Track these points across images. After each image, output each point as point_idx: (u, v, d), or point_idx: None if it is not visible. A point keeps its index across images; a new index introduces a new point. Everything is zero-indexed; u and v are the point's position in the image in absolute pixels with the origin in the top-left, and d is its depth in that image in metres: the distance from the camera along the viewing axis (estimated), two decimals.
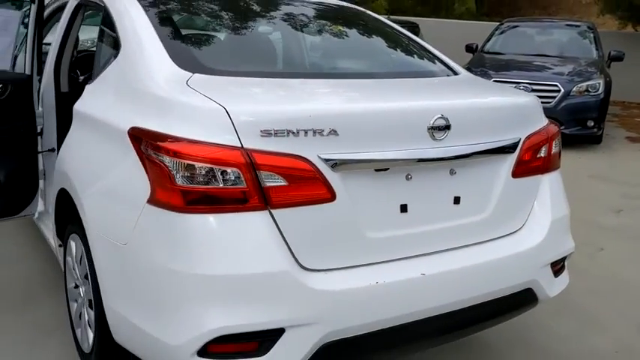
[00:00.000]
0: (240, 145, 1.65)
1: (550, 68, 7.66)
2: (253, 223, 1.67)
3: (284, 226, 1.69)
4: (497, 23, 10.07)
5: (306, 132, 1.69)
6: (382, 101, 1.95)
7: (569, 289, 2.43)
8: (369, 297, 1.78)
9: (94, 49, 3.01)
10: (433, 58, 2.65)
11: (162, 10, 2.36)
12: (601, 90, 7.12)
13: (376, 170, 1.82)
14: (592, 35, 8.61)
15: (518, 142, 2.10)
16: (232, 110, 1.67)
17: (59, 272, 3.16)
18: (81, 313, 2.37)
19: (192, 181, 1.65)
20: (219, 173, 1.65)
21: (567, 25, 9.27)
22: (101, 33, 2.48)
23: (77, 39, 3.14)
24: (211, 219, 1.66)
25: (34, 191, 3.02)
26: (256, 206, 1.67)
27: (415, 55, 2.66)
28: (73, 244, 2.38)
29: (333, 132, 1.72)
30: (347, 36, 2.71)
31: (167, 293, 1.70)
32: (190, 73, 1.93)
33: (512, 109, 2.18)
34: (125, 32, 2.21)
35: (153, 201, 1.71)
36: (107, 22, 2.42)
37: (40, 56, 2.96)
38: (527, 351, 2.67)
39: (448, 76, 2.50)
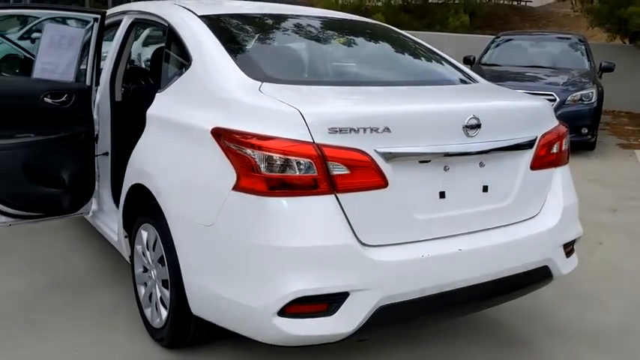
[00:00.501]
0: (312, 141, 2.00)
1: (545, 79, 8.08)
2: (322, 204, 2.01)
3: (347, 208, 2.03)
4: (491, 36, 10.53)
5: (364, 130, 2.05)
6: (425, 104, 2.32)
7: (572, 276, 2.77)
8: (416, 268, 2.12)
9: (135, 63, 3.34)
10: (455, 68, 3.02)
11: (223, 27, 2.71)
12: (594, 99, 7.53)
13: (420, 162, 2.17)
14: (583, 47, 9.06)
15: (535, 139, 2.46)
16: (305, 112, 2.02)
17: (113, 263, 3.50)
18: (151, 294, 2.69)
19: (274, 170, 1.99)
20: (295, 163, 1.99)
21: (559, 37, 9.73)
22: (167, 48, 2.82)
23: (130, 53, 3.47)
24: (289, 201, 2.00)
25: (90, 191, 3.34)
26: (325, 191, 2.01)
27: (440, 66, 3.02)
28: (144, 233, 2.70)
29: (387, 130, 2.08)
30: (385, 50, 3.09)
31: (251, 264, 2.03)
32: (259, 82, 2.28)
33: (529, 111, 2.54)
34: (194, 47, 2.56)
35: (238, 188, 2.05)
36: (172, 39, 2.77)
37: (98, 69, 3.30)
38: (536, 329, 3.01)
39: (470, 83, 2.87)
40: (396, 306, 2.09)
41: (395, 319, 2.15)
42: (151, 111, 2.66)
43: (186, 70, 2.54)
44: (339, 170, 2.02)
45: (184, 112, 2.41)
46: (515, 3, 21.59)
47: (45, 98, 3.07)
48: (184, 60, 2.59)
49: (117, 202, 3.31)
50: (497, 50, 9.39)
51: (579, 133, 7.42)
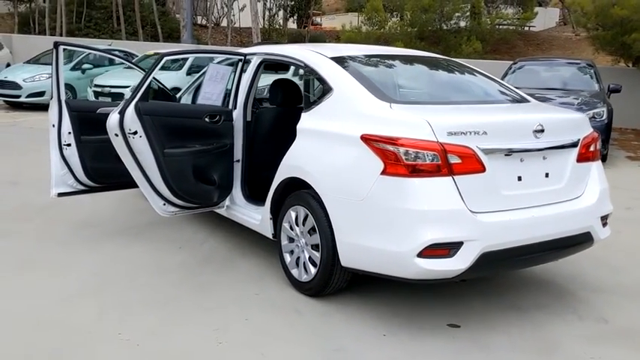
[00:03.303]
0: (436, 140, 3.02)
1: (561, 99, 9.13)
2: (444, 183, 3.02)
3: (460, 185, 3.04)
4: (501, 61, 11.56)
5: (471, 132, 3.07)
6: (507, 116, 3.39)
7: (601, 251, 3.73)
8: (505, 227, 3.12)
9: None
10: (512, 90, 4.07)
11: (348, 64, 3.76)
12: (605, 116, 8.57)
13: (505, 155, 3.19)
14: (592, 71, 10.14)
15: (578, 140, 3.48)
16: (431, 121, 3.05)
17: (244, 243, 4.50)
18: (298, 258, 3.68)
19: (411, 160, 3.01)
20: (426, 155, 3.00)
21: (570, 63, 10.82)
22: (306, 81, 3.86)
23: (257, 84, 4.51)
24: (423, 181, 3.01)
25: (229, 189, 4.36)
26: (445, 174, 3.02)
27: (502, 88, 4.09)
28: (292, 213, 3.71)
29: (485, 133, 3.10)
30: (465, 78, 4.16)
31: (398, 222, 3.03)
32: (387, 103, 3.32)
33: (574, 121, 3.58)
34: (333, 79, 3.60)
35: (385, 173, 3.06)
36: (312, 74, 3.81)
37: (236, 97, 4.35)
38: (582, 284, 3.99)
39: (527, 102, 3.91)
40: (492, 253, 3.08)
41: (490, 263, 3.14)
42: (301, 125, 3.69)
43: (329, 96, 3.58)
44: (454, 160, 3.03)
45: (333, 125, 3.44)
46: (515, 28, 22.82)
47: (205, 118, 4.11)
48: (325, 89, 3.63)
49: (248, 197, 4.32)
50: (515, 75, 10.45)
51: None
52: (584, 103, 8.82)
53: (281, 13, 27.25)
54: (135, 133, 3.80)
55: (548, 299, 3.76)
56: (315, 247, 3.53)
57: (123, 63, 13.53)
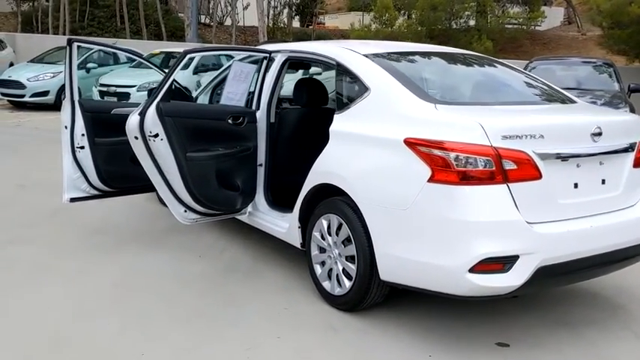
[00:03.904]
0: (490, 144, 2.76)
1: (581, 99, 8.87)
2: (498, 191, 2.77)
3: (515, 194, 2.79)
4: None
5: (527, 136, 2.82)
6: (564, 118, 3.13)
7: None
8: (563, 239, 2.87)
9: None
10: (558, 90, 3.82)
11: (384, 62, 3.50)
12: None
13: (562, 160, 2.93)
14: (611, 70, 9.88)
15: (635, 144, 3.23)
16: (484, 124, 2.79)
17: (266, 252, 4.25)
18: (331, 270, 3.44)
19: (462, 166, 2.76)
20: (479, 161, 2.75)
21: (587, 62, 10.57)
22: (339, 80, 3.60)
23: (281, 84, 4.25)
24: (475, 189, 2.76)
25: (253, 195, 4.11)
26: (500, 181, 2.77)
27: (549, 89, 3.83)
28: (324, 222, 3.46)
29: (541, 136, 2.85)
30: (511, 76, 3.89)
31: (447, 234, 2.78)
32: (432, 103, 3.06)
33: (629, 123, 3.33)
34: (369, 79, 3.34)
35: (433, 180, 2.81)
36: (345, 73, 3.55)
37: (260, 97, 4.10)
38: (630, 297, 3.75)
39: (575, 102, 3.66)
40: (549, 267, 2.83)
41: (547, 278, 2.89)
42: (335, 127, 3.44)
43: (365, 97, 3.32)
44: (509, 166, 2.78)
45: (372, 127, 3.18)
46: (524, 27, 22.59)
47: (228, 120, 3.86)
48: (361, 89, 3.38)
49: (271, 202, 4.08)
50: (533, 74, 10.19)
51: None
52: (607, 102, 8.57)
53: (285, 11, 27.01)
54: (156, 135, 3.55)
55: (598, 314, 3.52)
56: (350, 258, 3.28)
57: (127, 62, 13.53)
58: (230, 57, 13.12)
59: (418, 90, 3.21)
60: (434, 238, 2.84)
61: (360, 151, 3.23)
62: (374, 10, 16.48)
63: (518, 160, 2.80)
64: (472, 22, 17.95)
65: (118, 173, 4.37)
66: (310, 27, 26.59)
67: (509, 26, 20.37)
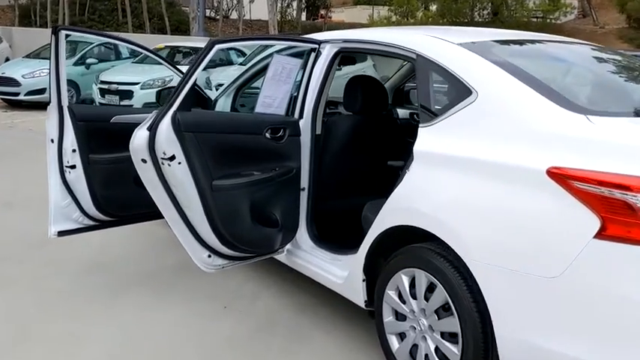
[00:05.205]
0: None
1: None
2: None
3: None
4: None
5: None
6: None
7: None
8: None
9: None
10: None
11: (493, 55, 2.49)
12: None
13: None
14: None
15: None
16: None
17: (308, 305, 3.27)
18: (415, 347, 2.45)
19: None
20: None
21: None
22: (421, 81, 2.60)
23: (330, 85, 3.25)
24: None
25: (295, 229, 3.12)
26: None
27: None
28: (404, 278, 2.47)
29: None
30: None
31: (626, 323, 1.79)
32: (581, 114, 2.07)
33: None
34: (475, 79, 2.34)
35: (604, 236, 1.82)
36: (432, 70, 2.55)
37: (304, 102, 3.11)
38: None
39: None
40: None
41: None
42: (422, 147, 2.43)
43: (467, 103, 2.32)
44: None
45: (485, 148, 2.18)
46: (551, 19, 21.55)
47: (266, 133, 2.88)
48: (460, 92, 2.37)
49: (316, 238, 3.11)
50: None
51: None
52: None
53: (294, 4, 25.96)
54: (172, 158, 2.56)
55: None
56: (449, 335, 2.30)
57: (130, 57, 12.52)
58: (239, 52, 12.29)
59: (554, 95, 2.20)
60: (602, 326, 1.85)
61: (466, 183, 2.22)
62: (394, 1, 15.40)
63: None
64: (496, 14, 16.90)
65: (120, 198, 3.39)
66: (318, 20, 25.57)
67: (534, 19, 19.31)
